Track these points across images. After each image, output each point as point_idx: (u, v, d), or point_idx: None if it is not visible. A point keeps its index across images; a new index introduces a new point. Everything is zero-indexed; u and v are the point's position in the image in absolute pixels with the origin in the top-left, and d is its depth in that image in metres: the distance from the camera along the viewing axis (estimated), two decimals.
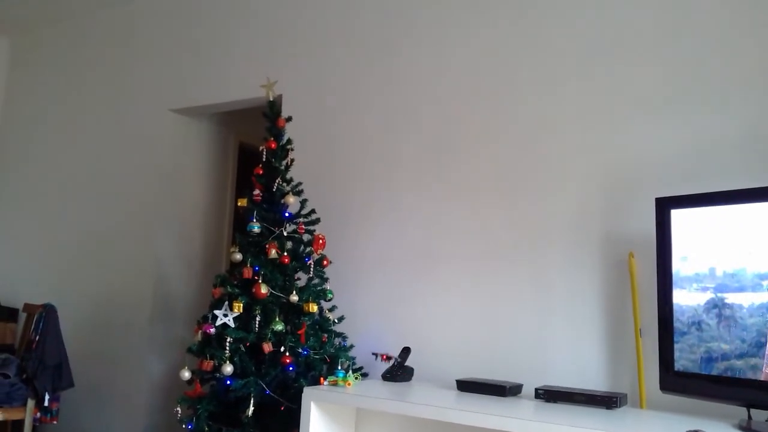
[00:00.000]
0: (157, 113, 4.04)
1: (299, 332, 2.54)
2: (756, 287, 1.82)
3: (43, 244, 4.47)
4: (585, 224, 2.51)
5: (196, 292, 4.18)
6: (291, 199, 2.73)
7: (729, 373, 1.83)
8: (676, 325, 1.96)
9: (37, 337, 3.29)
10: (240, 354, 2.49)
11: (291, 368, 2.48)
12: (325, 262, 2.76)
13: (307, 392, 2.27)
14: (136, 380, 3.81)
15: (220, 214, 4.44)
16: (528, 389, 2.48)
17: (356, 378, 2.46)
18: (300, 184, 2.82)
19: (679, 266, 1.98)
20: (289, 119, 2.87)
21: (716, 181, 2.26)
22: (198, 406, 2.49)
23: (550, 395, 2.16)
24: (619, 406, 2.08)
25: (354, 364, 2.73)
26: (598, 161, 2.51)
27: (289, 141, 2.83)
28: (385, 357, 2.69)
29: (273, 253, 2.60)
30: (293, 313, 2.61)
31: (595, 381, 2.41)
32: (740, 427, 1.81)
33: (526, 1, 2.77)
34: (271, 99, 2.83)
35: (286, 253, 2.63)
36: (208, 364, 2.48)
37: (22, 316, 4.17)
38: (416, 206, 2.93)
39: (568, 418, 1.84)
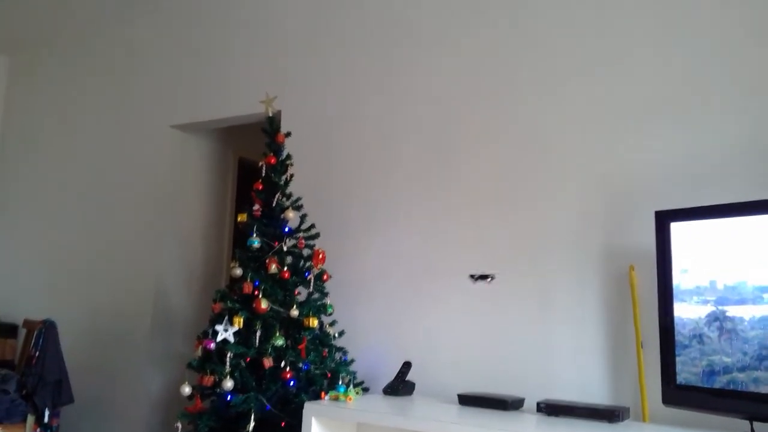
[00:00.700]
0: (157, 129, 4.05)
1: (300, 347, 2.54)
2: (757, 300, 1.82)
3: (44, 260, 4.47)
4: (585, 237, 2.51)
5: (196, 307, 4.17)
6: (291, 214, 2.74)
7: (731, 386, 1.83)
8: (678, 338, 1.96)
9: (37, 353, 3.29)
10: (240, 369, 2.49)
11: (291, 383, 2.47)
12: (325, 277, 2.76)
13: (308, 407, 2.26)
14: (135, 395, 3.79)
15: (220, 229, 4.44)
16: (530, 403, 2.47)
17: (357, 393, 2.45)
18: (300, 198, 2.83)
19: (679, 279, 1.98)
20: (288, 134, 2.89)
21: (718, 193, 2.27)
22: (198, 422, 2.49)
23: (551, 409, 2.15)
24: (622, 420, 2.06)
25: (355, 378, 2.72)
26: (598, 173, 2.52)
27: (288, 156, 2.84)
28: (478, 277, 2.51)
29: (273, 268, 2.61)
30: (294, 328, 2.61)
31: (597, 394, 2.40)
32: None
33: (526, 2, 2.79)
34: (271, 114, 2.85)
35: (286, 268, 2.64)
36: (209, 380, 2.48)
37: (22, 332, 4.16)
38: (416, 219, 2.93)
39: None
